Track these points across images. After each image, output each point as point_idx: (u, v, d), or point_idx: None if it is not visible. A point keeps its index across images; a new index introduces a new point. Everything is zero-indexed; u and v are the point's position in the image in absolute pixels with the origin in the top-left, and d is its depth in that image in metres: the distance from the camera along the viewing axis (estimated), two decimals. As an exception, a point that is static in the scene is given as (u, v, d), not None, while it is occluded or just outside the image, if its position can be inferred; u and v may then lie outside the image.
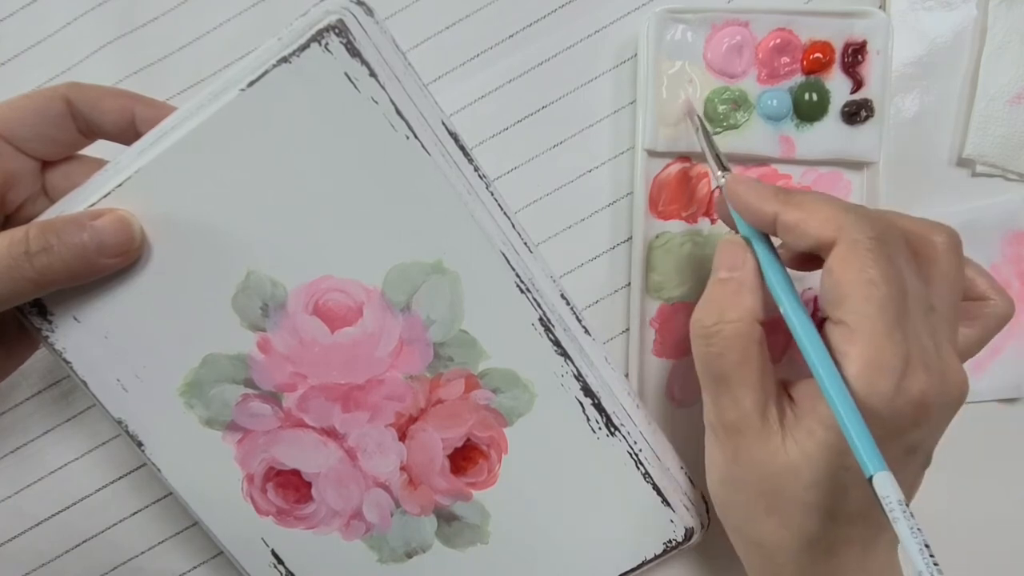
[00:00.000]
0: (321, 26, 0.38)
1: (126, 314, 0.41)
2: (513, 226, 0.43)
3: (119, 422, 0.43)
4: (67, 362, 0.42)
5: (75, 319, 0.41)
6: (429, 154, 0.40)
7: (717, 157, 0.45)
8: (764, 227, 0.40)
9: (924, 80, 0.54)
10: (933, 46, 0.54)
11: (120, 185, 0.39)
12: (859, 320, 0.34)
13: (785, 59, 0.51)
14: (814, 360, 0.35)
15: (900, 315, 0.34)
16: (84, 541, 0.53)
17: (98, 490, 0.53)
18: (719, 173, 0.44)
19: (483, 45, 0.53)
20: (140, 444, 0.43)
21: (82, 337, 0.41)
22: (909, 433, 0.36)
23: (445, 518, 0.46)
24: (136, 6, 0.53)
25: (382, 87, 0.39)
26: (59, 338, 0.41)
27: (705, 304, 0.40)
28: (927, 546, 0.31)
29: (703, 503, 0.49)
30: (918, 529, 0.31)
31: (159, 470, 0.44)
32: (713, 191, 0.47)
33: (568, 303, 0.45)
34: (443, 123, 0.42)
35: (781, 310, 0.38)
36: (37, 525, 0.53)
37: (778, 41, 0.50)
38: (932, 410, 0.36)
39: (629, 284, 0.53)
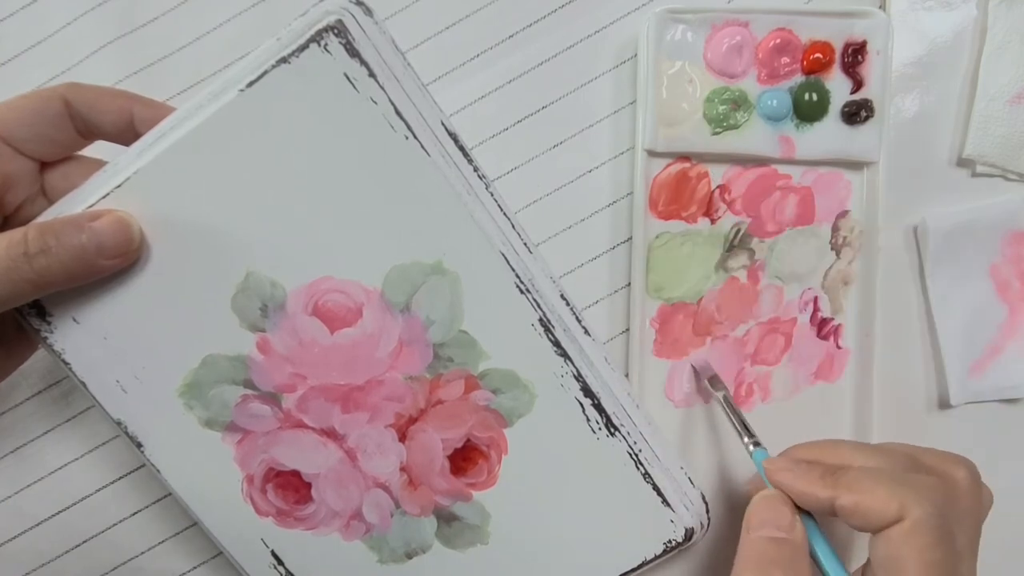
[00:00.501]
0: (320, 26, 0.38)
1: (125, 315, 0.41)
2: (513, 226, 0.43)
3: (118, 423, 0.43)
4: (66, 363, 0.41)
5: (74, 320, 0.41)
6: (428, 154, 0.40)
7: (745, 427, 0.46)
8: (815, 510, 0.39)
9: (924, 80, 0.54)
10: (933, 46, 0.54)
11: (119, 186, 0.39)
12: None
13: (785, 59, 0.51)
14: None
15: None
16: (84, 541, 0.53)
17: (98, 490, 0.53)
18: (748, 444, 0.45)
19: (483, 45, 0.53)
20: (140, 445, 0.43)
21: (81, 338, 0.41)
22: None
23: (445, 519, 0.46)
24: (136, 6, 0.53)
25: (381, 87, 0.39)
26: (58, 339, 0.41)
27: (767, 570, 0.38)
28: None
29: (703, 503, 0.49)
30: None
31: (159, 471, 0.44)
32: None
33: (568, 303, 0.44)
34: (442, 123, 0.42)
35: None
36: (37, 525, 0.53)
37: (778, 41, 0.50)
38: None
39: (629, 284, 0.53)
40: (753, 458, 0.44)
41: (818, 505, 0.38)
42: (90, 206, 0.39)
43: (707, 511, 0.49)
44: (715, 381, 0.50)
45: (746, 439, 0.45)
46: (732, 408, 0.47)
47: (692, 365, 0.53)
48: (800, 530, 0.39)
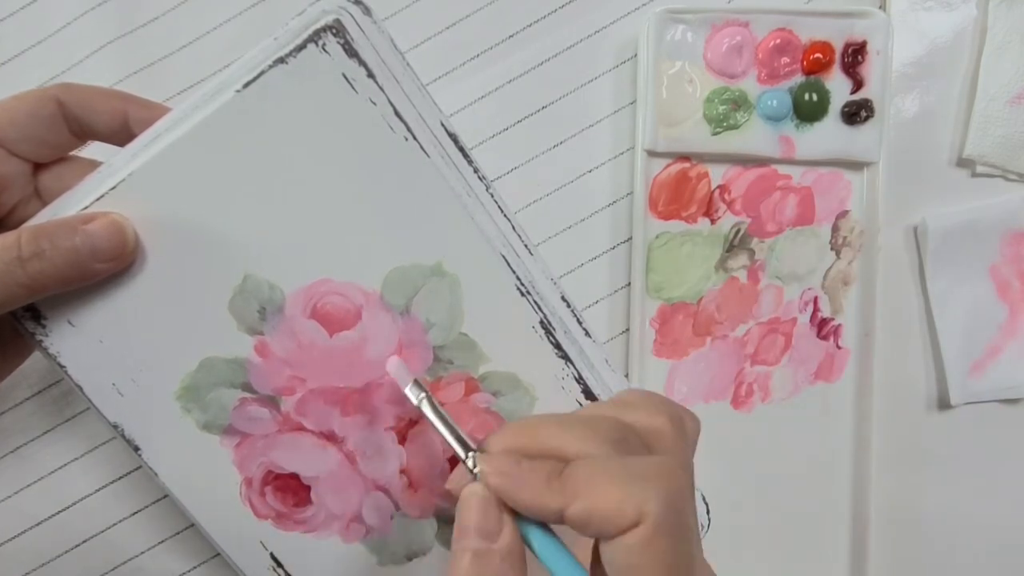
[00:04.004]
0: (318, 26, 0.38)
1: (121, 318, 0.41)
2: (513, 228, 0.43)
3: (115, 426, 0.43)
4: (62, 367, 0.41)
5: (70, 323, 0.40)
6: (428, 155, 0.40)
7: (456, 435, 0.37)
8: (546, 520, 0.33)
9: (924, 80, 0.54)
10: (933, 46, 0.54)
11: (113, 188, 0.39)
12: None
13: (785, 59, 0.51)
14: None
15: None
16: (84, 541, 0.53)
17: (97, 490, 0.53)
18: (465, 455, 0.36)
19: (483, 45, 0.53)
20: (137, 448, 0.43)
21: (77, 341, 0.41)
22: None
23: (445, 521, 0.46)
24: (136, 6, 0.53)
25: (380, 88, 0.39)
26: (53, 342, 0.41)
27: None
28: None
29: (703, 504, 0.49)
30: None
31: (156, 474, 0.43)
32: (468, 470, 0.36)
33: (569, 305, 0.44)
34: (442, 124, 0.41)
35: None
36: (37, 525, 0.53)
37: (778, 41, 0.50)
38: None
39: (629, 284, 0.53)
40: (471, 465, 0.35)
41: (547, 516, 0.32)
42: (84, 208, 0.39)
43: (707, 511, 0.49)
44: (417, 387, 0.39)
45: (463, 451, 0.36)
46: (441, 416, 0.38)
47: (388, 371, 0.42)
48: (508, 537, 0.33)
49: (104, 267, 0.38)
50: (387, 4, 0.52)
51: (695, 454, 0.37)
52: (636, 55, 0.53)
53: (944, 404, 0.55)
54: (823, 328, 0.54)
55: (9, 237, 0.36)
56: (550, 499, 0.31)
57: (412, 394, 0.39)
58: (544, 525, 0.33)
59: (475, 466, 0.34)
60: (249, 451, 0.44)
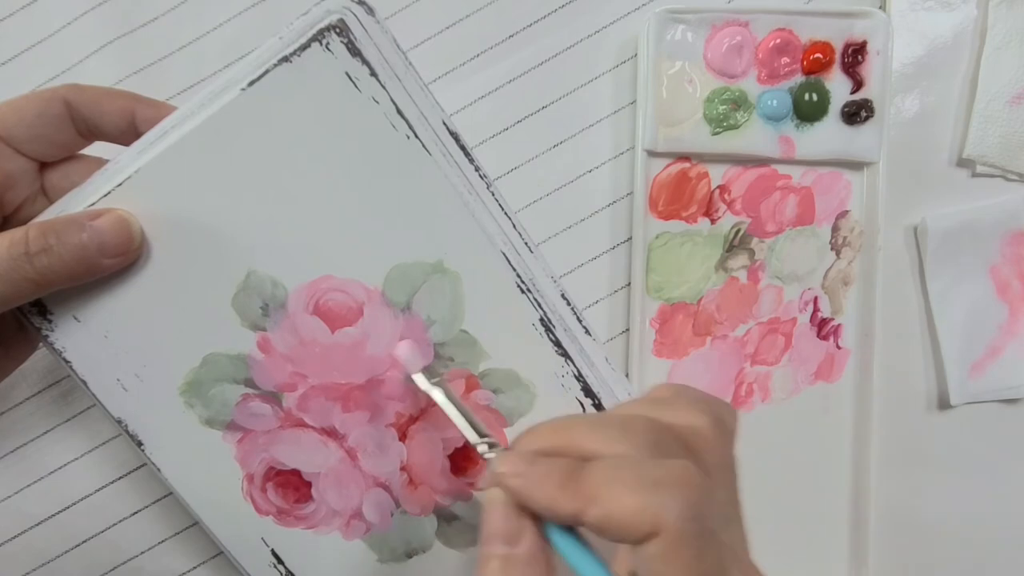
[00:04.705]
0: (322, 25, 0.38)
1: (126, 314, 0.41)
2: (514, 226, 0.43)
3: (119, 422, 0.43)
4: (67, 362, 0.41)
5: (75, 319, 0.41)
6: (430, 154, 0.40)
7: (471, 423, 0.38)
8: (563, 523, 0.32)
9: (924, 80, 0.54)
10: (933, 46, 0.54)
11: (120, 185, 0.39)
12: None
13: (785, 59, 0.51)
14: None
15: None
16: (84, 541, 0.53)
17: (98, 490, 0.53)
18: (479, 443, 0.37)
19: (483, 45, 0.53)
20: (140, 444, 0.43)
21: (82, 337, 0.41)
22: None
23: (446, 518, 0.46)
24: (136, 6, 0.53)
25: (383, 87, 0.39)
26: (59, 338, 0.41)
27: None
28: None
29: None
30: None
31: (159, 470, 0.44)
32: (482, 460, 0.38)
33: (569, 303, 0.44)
34: (444, 123, 0.42)
35: None
36: (37, 525, 0.53)
37: (778, 41, 0.50)
38: None
39: (629, 284, 0.53)
40: (489, 465, 0.34)
41: (562, 519, 0.31)
42: (91, 205, 0.39)
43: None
44: (429, 371, 0.42)
45: (478, 441, 0.37)
46: (456, 404, 0.39)
47: (397, 356, 0.43)
48: (530, 541, 0.32)
49: (110, 263, 0.38)
50: (389, 3, 0.53)
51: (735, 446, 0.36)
52: (636, 55, 0.53)
53: (944, 404, 0.55)
54: (823, 328, 0.54)
55: (17, 233, 0.36)
56: (565, 503, 0.31)
57: (421, 380, 0.39)
58: (573, 534, 0.33)
59: (489, 452, 0.35)
60: (251, 447, 0.44)
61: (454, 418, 0.38)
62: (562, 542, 0.32)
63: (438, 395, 0.38)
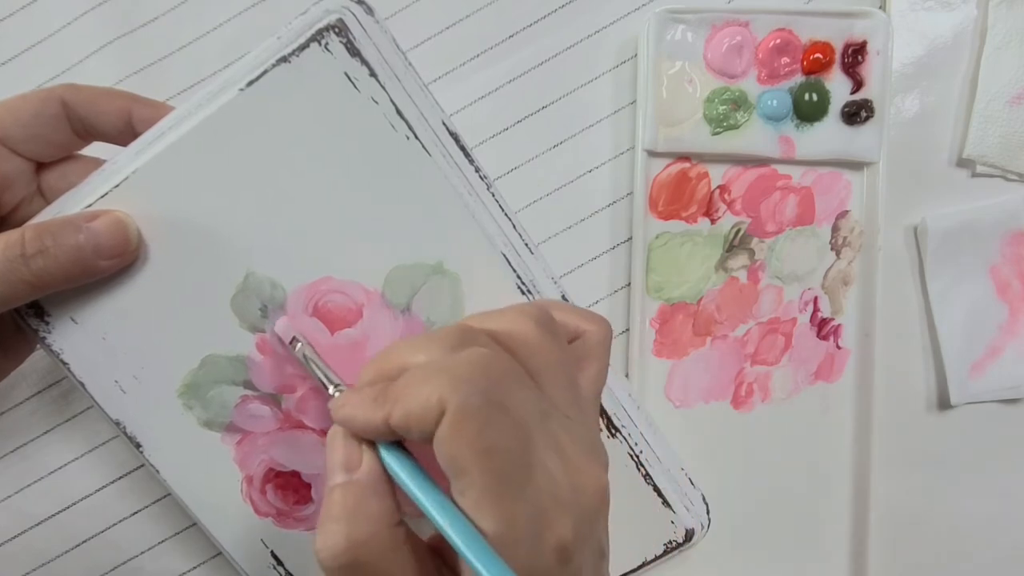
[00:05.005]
0: (321, 25, 0.38)
1: (124, 315, 0.41)
2: (514, 227, 0.43)
3: (117, 423, 0.43)
4: (64, 363, 0.41)
5: (73, 320, 0.41)
6: (430, 154, 0.40)
7: (326, 376, 0.40)
8: (382, 438, 0.33)
9: (924, 80, 0.54)
10: (933, 46, 0.54)
11: (117, 186, 0.39)
12: (482, 495, 0.30)
13: (785, 59, 0.51)
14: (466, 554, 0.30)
15: (524, 469, 0.31)
16: (84, 541, 0.53)
17: (98, 490, 0.53)
18: (333, 390, 0.39)
19: (483, 45, 0.53)
20: (139, 446, 0.43)
21: (80, 338, 0.41)
22: (562, 568, 0.32)
23: (445, 519, 0.46)
24: (136, 6, 0.53)
25: (382, 87, 0.39)
26: (56, 339, 0.41)
27: (326, 525, 0.32)
28: None
29: (703, 504, 0.49)
30: None
31: (158, 472, 0.44)
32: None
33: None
34: (444, 123, 0.41)
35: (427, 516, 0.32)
36: (37, 525, 0.53)
37: (778, 41, 0.50)
38: (574, 546, 0.32)
39: (629, 284, 0.53)
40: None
41: (379, 430, 0.32)
42: (88, 206, 0.39)
43: (707, 512, 0.49)
44: (295, 341, 0.42)
45: (331, 388, 0.39)
46: (314, 360, 0.40)
47: (274, 333, 0.43)
48: (367, 464, 0.33)
49: (107, 264, 0.38)
50: (389, 3, 0.52)
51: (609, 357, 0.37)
52: (636, 55, 0.53)
53: (944, 404, 0.55)
54: (823, 328, 0.54)
55: (13, 235, 0.36)
56: (376, 413, 0.31)
57: (276, 337, 0.42)
58: (402, 447, 0.33)
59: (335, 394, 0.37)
60: (250, 448, 0.44)
61: (312, 370, 0.40)
62: (390, 458, 0.33)
63: (299, 353, 0.41)
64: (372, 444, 0.33)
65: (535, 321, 0.34)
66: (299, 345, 0.41)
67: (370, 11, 0.39)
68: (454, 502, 0.31)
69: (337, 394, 0.38)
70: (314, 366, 0.40)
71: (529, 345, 0.34)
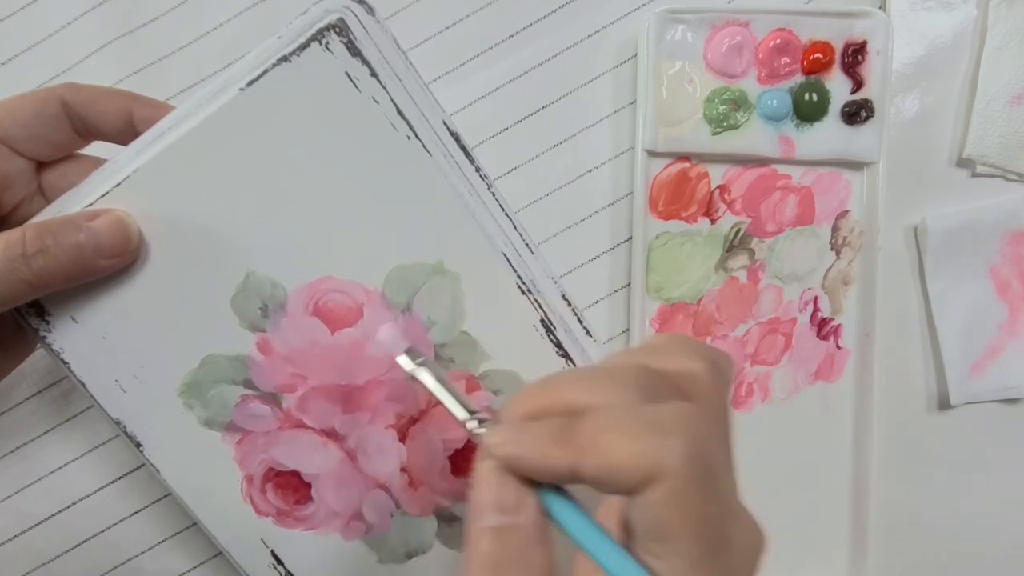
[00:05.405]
0: (321, 25, 0.38)
1: (124, 315, 0.41)
2: (515, 227, 0.43)
3: (117, 423, 0.43)
4: (65, 363, 0.41)
5: (73, 320, 0.41)
6: (430, 154, 0.40)
7: (459, 401, 0.36)
8: (559, 481, 0.30)
9: (924, 80, 0.54)
10: (933, 46, 0.54)
11: (117, 185, 0.39)
12: (691, 566, 0.28)
13: (785, 59, 0.51)
14: None
15: (726, 536, 0.29)
16: (84, 541, 0.53)
17: (98, 490, 0.53)
18: (469, 420, 0.35)
19: (483, 45, 0.53)
20: (139, 445, 0.43)
21: (80, 338, 0.41)
22: None
23: (445, 519, 0.46)
24: (136, 6, 0.53)
25: (383, 87, 0.39)
26: (57, 339, 0.41)
27: (481, 570, 0.29)
28: None
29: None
30: None
31: (158, 471, 0.44)
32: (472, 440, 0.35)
33: (570, 304, 0.44)
34: (444, 123, 0.41)
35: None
36: (37, 525, 0.53)
37: (778, 41, 0.50)
38: None
39: (629, 284, 0.53)
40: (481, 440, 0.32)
41: (560, 476, 0.29)
42: (88, 205, 0.39)
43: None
44: (413, 352, 0.38)
45: (467, 418, 0.35)
46: (443, 382, 0.36)
47: (380, 341, 0.42)
48: (531, 508, 0.30)
49: (108, 263, 0.38)
50: (389, 3, 0.53)
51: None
52: (636, 55, 0.53)
53: (944, 404, 0.55)
54: (823, 328, 0.54)
55: (13, 234, 0.36)
56: (560, 458, 0.29)
57: (405, 362, 0.37)
58: (564, 492, 0.30)
59: (479, 428, 0.33)
60: (250, 448, 0.44)
61: (441, 397, 0.36)
62: (558, 508, 0.30)
63: (424, 375, 0.37)
64: (534, 485, 0.30)
65: (706, 362, 0.32)
66: (421, 370, 0.37)
67: (371, 11, 0.40)
68: (636, 558, 0.29)
69: (475, 424, 0.34)
70: (444, 391, 0.36)
71: (703, 388, 0.32)
